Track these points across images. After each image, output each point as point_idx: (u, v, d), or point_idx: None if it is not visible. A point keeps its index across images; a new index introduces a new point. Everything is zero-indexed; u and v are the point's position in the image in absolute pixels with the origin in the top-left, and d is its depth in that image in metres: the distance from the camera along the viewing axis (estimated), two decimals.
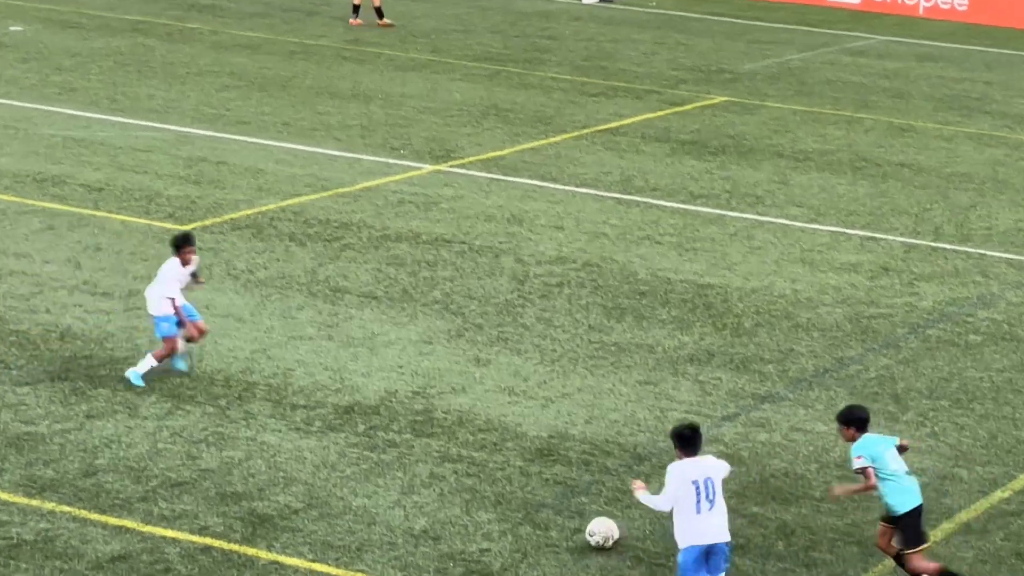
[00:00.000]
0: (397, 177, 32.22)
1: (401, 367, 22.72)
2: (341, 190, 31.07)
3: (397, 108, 37.96)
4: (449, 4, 52.52)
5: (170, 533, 17.87)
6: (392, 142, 34.79)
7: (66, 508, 18.30)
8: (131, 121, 35.31)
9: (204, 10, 49.01)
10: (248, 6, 50.11)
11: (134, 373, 21.79)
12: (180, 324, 21.84)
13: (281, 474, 19.42)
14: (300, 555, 17.56)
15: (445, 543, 17.99)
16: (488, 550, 17.89)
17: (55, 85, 38.40)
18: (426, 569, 17.41)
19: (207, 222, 28.60)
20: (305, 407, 21.32)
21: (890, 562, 17.84)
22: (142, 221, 28.53)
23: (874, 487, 17.00)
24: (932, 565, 17.35)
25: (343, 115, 36.95)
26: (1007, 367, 24.04)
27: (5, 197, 29.43)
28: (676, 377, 22.93)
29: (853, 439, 17.28)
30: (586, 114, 38.41)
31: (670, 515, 16.32)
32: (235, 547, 17.66)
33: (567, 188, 32.10)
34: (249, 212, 29.38)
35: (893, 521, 17.16)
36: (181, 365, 22.19)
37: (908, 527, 17.13)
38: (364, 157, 33.49)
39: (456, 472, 19.70)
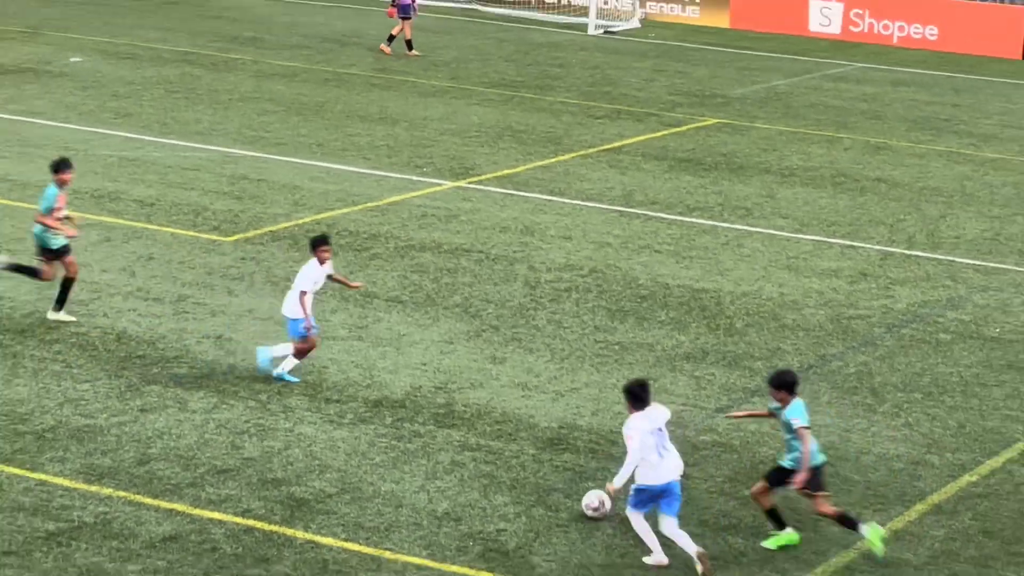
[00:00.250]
0: (420, 193, 32.22)
1: (425, 364, 22.73)
2: (370, 205, 31.08)
3: (420, 130, 37.96)
4: (468, 36, 52.53)
5: (216, 515, 17.89)
6: (416, 161, 34.79)
7: (122, 493, 18.32)
8: (179, 143, 35.34)
9: (246, 42, 49.05)
10: (286, 38, 50.16)
11: (284, 373, 21.85)
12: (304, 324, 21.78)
13: (316, 462, 19.43)
14: (334, 535, 17.57)
15: (465, 524, 17.99)
16: (504, 530, 17.89)
17: (111, 111, 38.44)
18: (448, 548, 17.41)
19: (248, 234, 28.61)
20: (338, 401, 21.34)
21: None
22: (190, 233, 28.56)
23: (803, 438, 17.51)
24: (833, 509, 17.81)
25: (371, 137, 36.96)
26: (974, 363, 24.02)
27: (70, 212, 29.40)
28: (674, 373, 22.92)
29: (784, 401, 17.70)
30: (592, 135, 38.40)
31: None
32: (275, 528, 17.67)
33: (574, 202, 32.09)
34: (287, 225, 29.39)
35: (788, 475, 17.65)
36: (265, 362, 22.13)
37: (816, 476, 17.61)
38: (390, 175, 33.50)
39: (475, 460, 19.70)
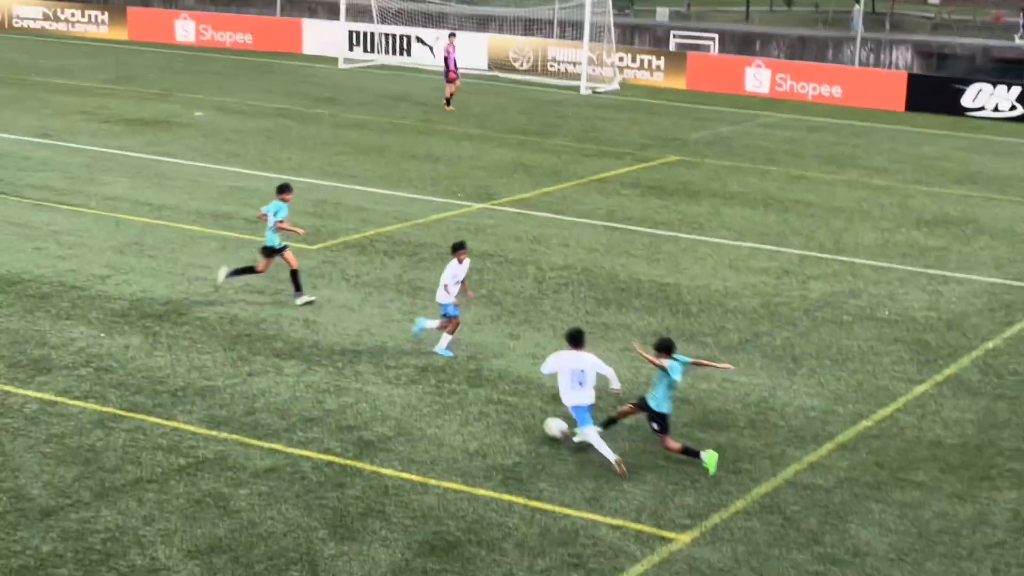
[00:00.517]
0: (455, 213, 32.23)
1: (459, 340, 22.74)
2: (418, 221, 31.10)
3: (455, 166, 37.97)
4: (491, 95, 52.53)
5: (304, 453, 17.94)
6: (452, 189, 34.80)
7: (234, 436, 18.38)
8: (275, 176, 35.33)
9: (326, 101, 49.09)
10: (356, 97, 50.19)
11: (442, 350, 21.74)
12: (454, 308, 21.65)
13: (379, 412, 19.47)
14: (392, 467, 17.61)
15: (490, 458, 18.02)
16: (519, 463, 17.91)
17: (224, 152, 38.50)
18: (477, 476, 17.44)
19: (327, 243, 28.64)
20: (395, 367, 21.36)
21: (792, 467, 17.83)
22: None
23: (659, 365, 17.71)
24: (677, 444, 17.90)
25: (419, 171, 36.98)
26: (869, 338, 24.01)
27: (194, 227, 29.53)
28: (645, 346, 22.87)
29: (664, 359, 17.84)
30: (583, 169, 38.39)
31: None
32: (348, 462, 17.71)
33: (571, 219, 32.08)
34: (356, 236, 29.41)
35: (648, 409, 17.78)
36: (419, 330, 22.08)
37: (665, 421, 17.79)
38: (433, 199, 33.51)
39: (497, 411, 19.72)
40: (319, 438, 18.43)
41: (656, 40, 67.19)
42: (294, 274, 24.17)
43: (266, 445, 18.11)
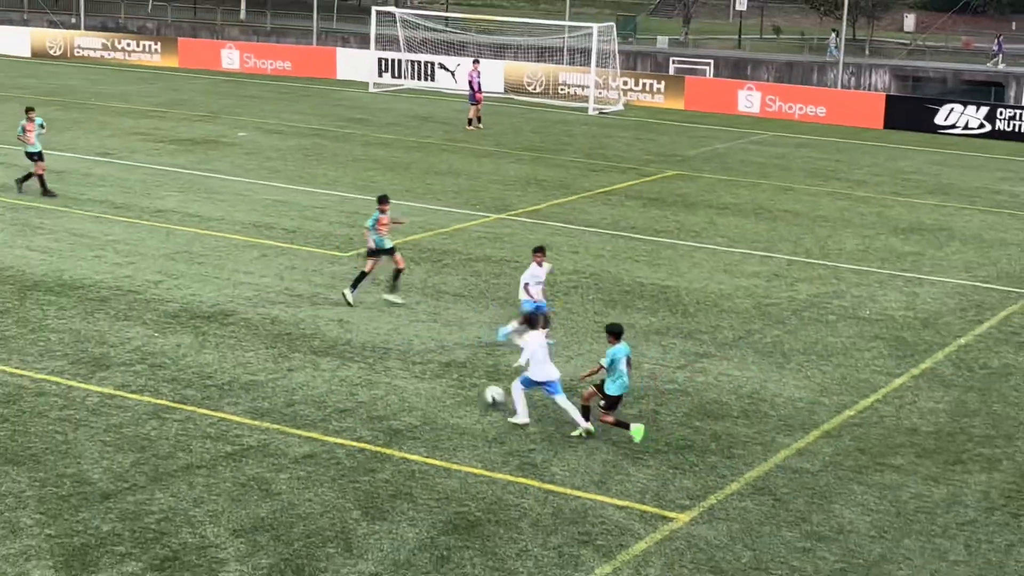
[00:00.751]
0: (475, 222, 32.23)
1: (479, 338, 22.74)
2: (441, 230, 31.10)
3: (475, 180, 37.98)
4: (507, 116, 52.54)
5: (339, 440, 17.94)
6: (472, 201, 34.81)
7: (275, 426, 18.39)
8: (312, 190, 35.45)
9: (357, 121, 49.14)
10: (384, 118, 50.24)
11: (502, 331, 21.98)
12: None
13: (406, 404, 19.47)
14: (418, 453, 17.60)
15: (507, 445, 18.00)
16: (534, 449, 17.89)
17: (266, 168, 38.56)
18: (495, 461, 17.42)
19: (359, 251, 28.64)
20: (421, 363, 21.36)
21: (782, 452, 17.78)
22: (320, 251, 28.62)
23: (600, 372, 17.96)
24: (612, 419, 18.05)
25: (443, 185, 36.99)
26: (852, 335, 23.95)
27: (239, 237, 29.58)
28: (648, 343, 22.90)
29: (613, 344, 17.92)
30: (591, 183, 38.37)
31: (527, 366, 18.07)
32: (379, 449, 17.71)
33: (580, 227, 32.06)
34: None
35: (605, 395, 17.95)
36: (503, 336, 22.07)
37: (612, 402, 17.92)
38: (455, 210, 33.52)
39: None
40: (352, 427, 18.44)
41: (657, 65, 67.16)
42: (397, 273, 24.30)
43: (304, 434, 18.12)
